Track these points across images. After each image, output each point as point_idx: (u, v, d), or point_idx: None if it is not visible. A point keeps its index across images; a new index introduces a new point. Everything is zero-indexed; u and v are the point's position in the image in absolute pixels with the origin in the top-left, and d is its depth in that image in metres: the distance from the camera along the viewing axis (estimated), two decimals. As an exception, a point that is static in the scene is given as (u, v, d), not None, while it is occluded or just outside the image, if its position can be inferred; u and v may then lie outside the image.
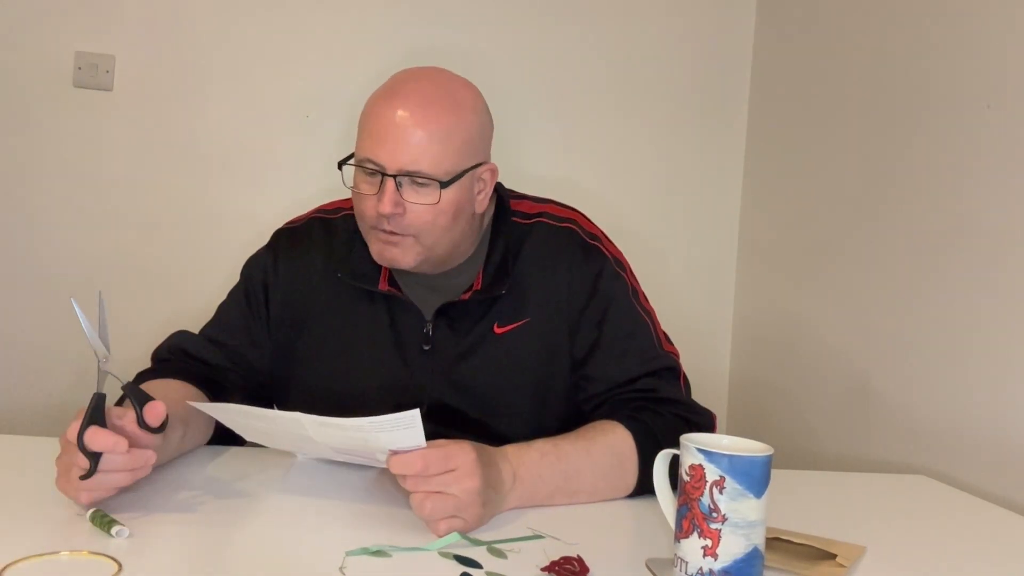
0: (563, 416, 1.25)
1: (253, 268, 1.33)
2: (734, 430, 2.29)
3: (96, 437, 0.90)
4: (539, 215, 1.30)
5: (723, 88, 2.40)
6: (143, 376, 1.24)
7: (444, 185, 1.14)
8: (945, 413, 1.55)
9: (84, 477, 0.90)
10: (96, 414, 0.92)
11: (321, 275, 1.28)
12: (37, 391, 2.18)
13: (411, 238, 1.16)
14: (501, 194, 1.32)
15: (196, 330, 1.32)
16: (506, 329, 1.24)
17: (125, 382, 1.00)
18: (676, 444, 1.12)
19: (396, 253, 1.18)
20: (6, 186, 2.15)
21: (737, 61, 2.40)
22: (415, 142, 1.13)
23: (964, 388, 1.51)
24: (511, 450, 1.08)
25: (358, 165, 1.17)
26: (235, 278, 1.31)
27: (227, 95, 2.22)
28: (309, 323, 1.28)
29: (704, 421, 1.23)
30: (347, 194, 1.24)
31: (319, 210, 1.37)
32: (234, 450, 1.35)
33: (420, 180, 1.14)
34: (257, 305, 1.30)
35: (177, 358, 1.28)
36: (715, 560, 0.82)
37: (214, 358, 1.28)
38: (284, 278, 1.30)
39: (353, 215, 1.25)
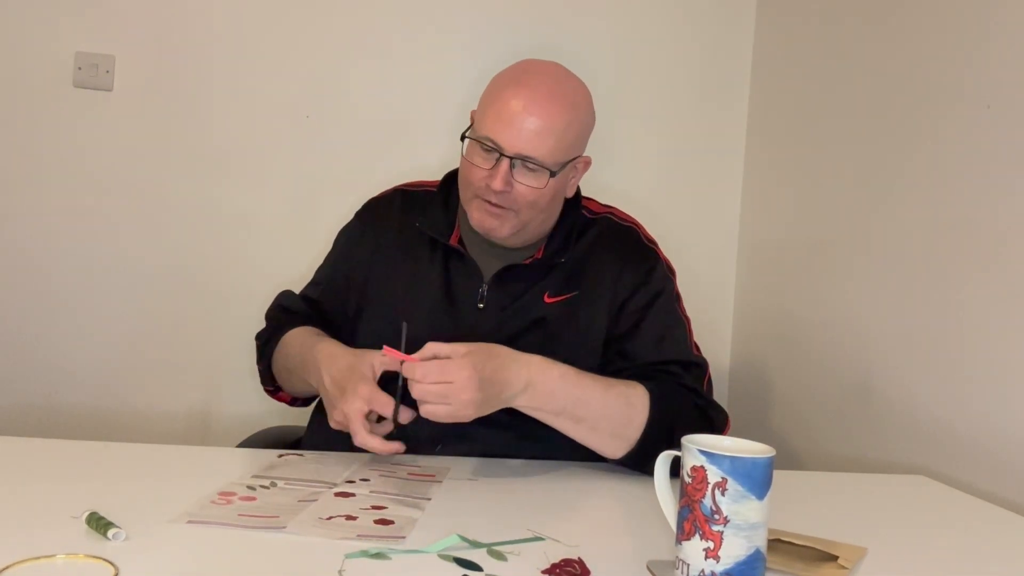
0: None
1: (341, 234, 1.52)
2: (734, 430, 2.28)
3: (403, 413, 1.17)
4: (606, 214, 1.46)
5: (723, 88, 2.40)
6: (271, 336, 1.44)
7: (553, 174, 1.28)
8: (945, 413, 1.55)
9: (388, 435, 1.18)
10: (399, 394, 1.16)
11: (397, 231, 1.43)
12: (37, 391, 2.17)
13: (511, 212, 1.29)
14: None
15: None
16: (556, 300, 1.36)
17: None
18: (687, 427, 1.16)
19: (495, 224, 1.31)
20: (6, 186, 2.15)
21: (737, 61, 2.39)
22: (535, 131, 1.25)
23: (964, 388, 1.51)
24: (537, 360, 1.19)
25: (479, 140, 1.28)
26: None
27: (227, 95, 2.22)
28: (380, 275, 1.42)
29: (718, 419, 1.31)
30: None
31: (401, 185, 1.52)
32: (231, 452, 1.35)
33: (531, 166, 1.27)
34: (338, 265, 1.47)
35: (283, 315, 1.48)
36: (717, 562, 0.81)
37: (301, 309, 1.47)
38: (367, 238, 1.45)
39: (433, 190, 1.44)
